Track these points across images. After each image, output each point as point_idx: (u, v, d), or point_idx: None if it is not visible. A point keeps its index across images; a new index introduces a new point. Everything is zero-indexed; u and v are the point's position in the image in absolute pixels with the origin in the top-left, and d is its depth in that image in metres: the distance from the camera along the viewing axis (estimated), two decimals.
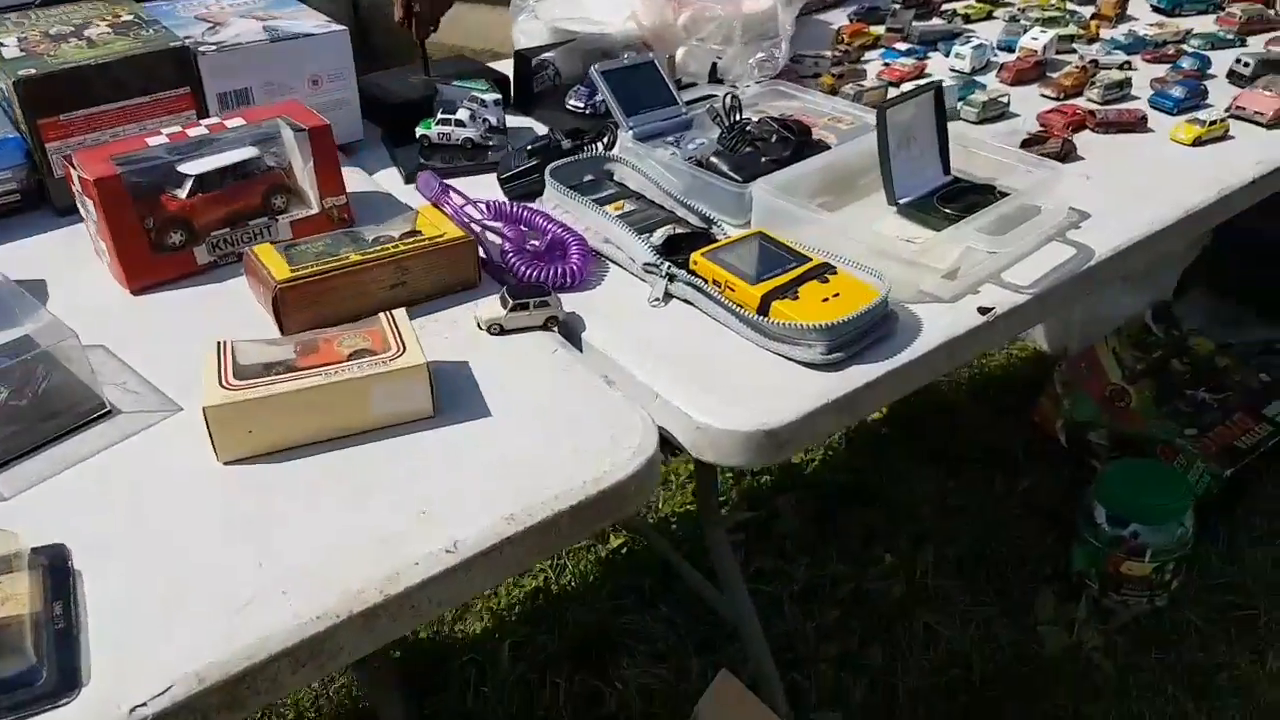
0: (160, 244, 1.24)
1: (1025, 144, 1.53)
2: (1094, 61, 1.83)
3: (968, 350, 1.19)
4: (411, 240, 1.21)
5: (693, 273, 1.22)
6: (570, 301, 1.23)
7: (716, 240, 1.30)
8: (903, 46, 1.98)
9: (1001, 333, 1.21)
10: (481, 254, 1.30)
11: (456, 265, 1.22)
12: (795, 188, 1.38)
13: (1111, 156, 1.55)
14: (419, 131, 1.59)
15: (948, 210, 1.35)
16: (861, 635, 2.02)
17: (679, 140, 1.52)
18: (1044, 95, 1.77)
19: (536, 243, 1.31)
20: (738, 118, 1.54)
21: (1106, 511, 2.03)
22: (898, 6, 2.19)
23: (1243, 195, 1.48)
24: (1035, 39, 1.89)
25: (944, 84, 1.57)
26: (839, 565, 2.19)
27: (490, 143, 1.61)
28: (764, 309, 1.14)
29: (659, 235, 1.31)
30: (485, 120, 1.62)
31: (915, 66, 1.88)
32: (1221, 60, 1.87)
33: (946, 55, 1.93)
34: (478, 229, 1.31)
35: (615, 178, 1.46)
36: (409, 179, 1.53)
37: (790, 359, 1.11)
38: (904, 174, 1.39)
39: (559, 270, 1.25)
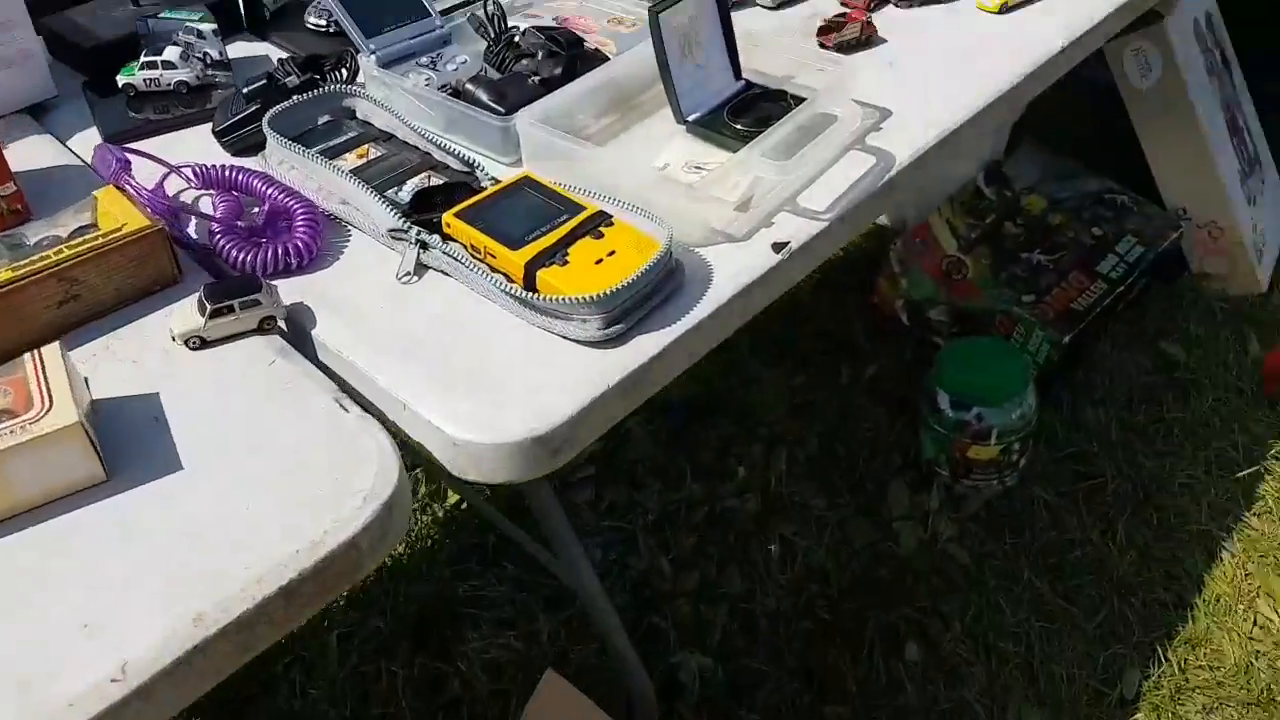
0: None
1: (822, 31, 1.36)
2: None
3: (766, 295, 1.04)
4: (82, 239, 0.97)
5: (447, 237, 1.03)
6: (299, 288, 1.02)
7: (481, 189, 1.10)
8: None
9: (800, 267, 1.06)
10: (192, 235, 1.08)
11: (145, 263, 0.99)
12: (568, 114, 1.19)
13: (916, 35, 1.39)
14: (121, 79, 1.31)
15: (739, 125, 1.17)
16: (719, 560, 1.93)
17: (436, 61, 1.29)
18: None
19: (257, 213, 1.09)
20: (504, 27, 1.32)
21: (949, 397, 1.96)
22: None
23: (1053, 66, 1.35)
24: None
25: None
26: (694, 486, 2.08)
27: (217, 82, 1.35)
28: (530, 281, 0.96)
29: (408, 190, 1.11)
30: (205, 56, 1.36)
31: None
32: None
33: None
34: (179, 207, 1.07)
35: (359, 116, 1.23)
36: (113, 140, 1.26)
37: (566, 338, 0.94)
38: (690, 86, 1.20)
39: (278, 249, 1.03)
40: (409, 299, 1.01)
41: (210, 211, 1.08)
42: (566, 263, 0.96)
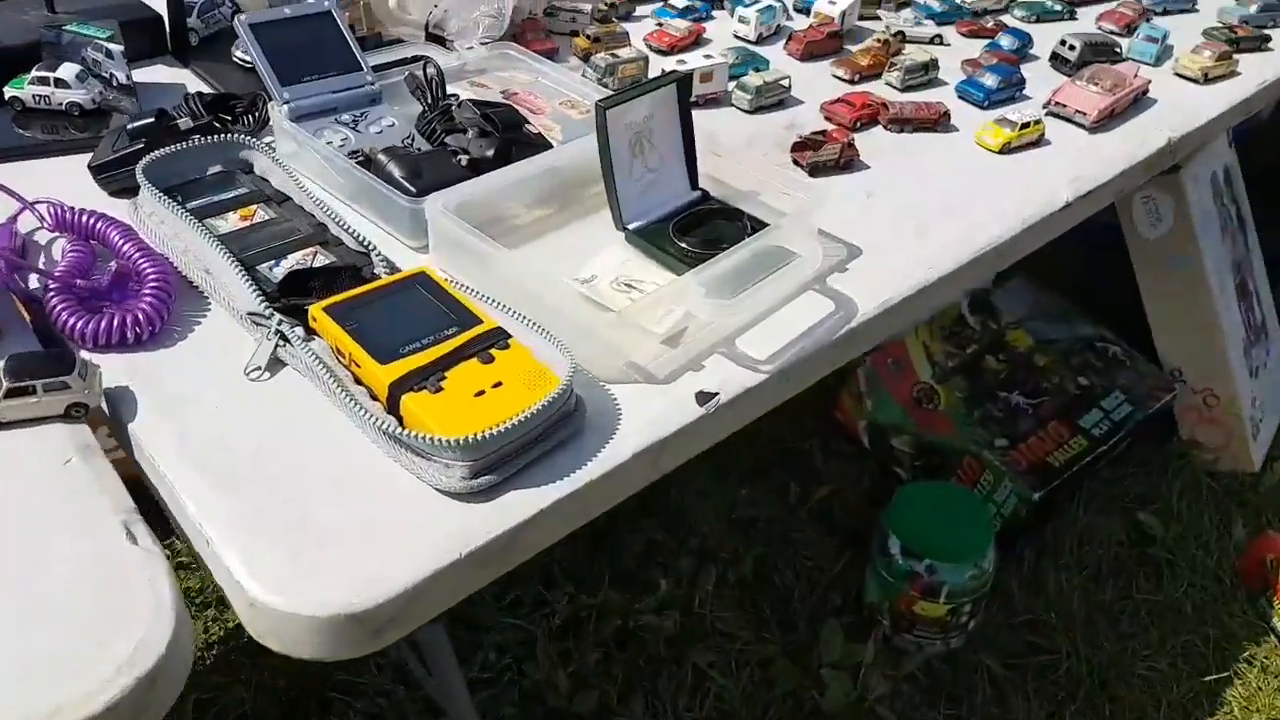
0: None
1: (797, 147, 1.22)
2: (900, 34, 1.53)
3: (679, 452, 0.88)
4: None
5: (312, 333, 0.87)
6: (131, 364, 0.86)
7: (371, 278, 0.94)
8: (681, 1, 1.63)
9: (726, 423, 0.91)
10: (31, 285, 0.92)
11: None
12: (490, 202, 1.04)
13: (902, 165, 1.25)
14: (8, 91, 1.16)
15: (684, 243, 1.03)
16: (623, 683, 1.75)
17: (359, 121, 1.14)
18: (836, 76, 1.46)
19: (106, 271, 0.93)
20: (441, 94, 1.18)
21: (900, 543, 1.80)
22: None
23: (1056, 222, 1.21)
24: (833, 2, 1.57)
25: (706, 67, 1.27)
26: (610, 593, 1.90)
27: (118, 108, 1.20)
28: (393, 404, 0.80)
29: (284, 267, 0.95)
30: (111, 77, 1.21)
31: (691, 31, 1.53)
32: (1047, 37, 1.60)
33: (732, 15, 1.60)
34: (13, 253, 0.91)
35: (255, 171, 1.08)
36: None
37: (423, 480, 0.78)
38: (636, 191, 1.06)
39: (115, 320, 0.87)
40: (253, 400, 0.85)
41: (57, 260, 0.92)
42: (440, 389, 0.80)
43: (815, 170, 1.22)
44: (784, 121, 1.33)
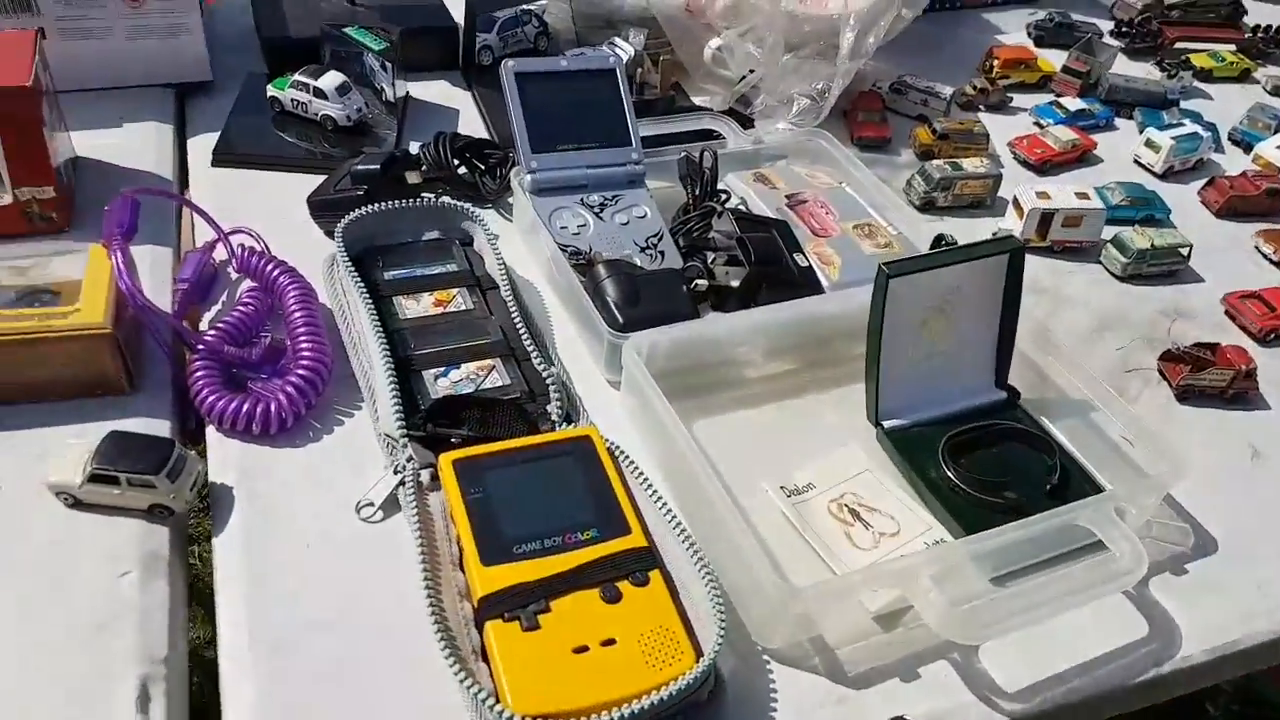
0: None
1: (1169, 357, 0.89)
2: None
3: None
4: (18, 312, 0.74)
5: (436, 480, 0.70)
6: (250, 454, 0.74)
7: (536, 420, 0.77)
8: (1075, 102, 1.30)
9: None
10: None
11: (87, 363, 0.75)
12: (714, 348, 0.83)
13: None
14: (270, 91, 1.10)
15: (955, 472, 0.75)
16: None
17: (607, 204, 0.96)
18: (1262, 253, 1.09)
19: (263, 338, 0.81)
20: (710, 189, 0.97)
21: None
22: (1102, 33, 1.49)
23: None
24: None
25: (1074, 210, 1.00)
26: None
27: (378, 126, 1.10)
28: (479, 621, 0.61)
29: (450, 380, 0.79)
30: (380, 90, 1.11)
31: (1075, 145, 1.21)
32: None
33: (1141, 132, 1.25)
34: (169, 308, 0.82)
35: (474, 245, 0.93)
36: (215, 159, 1.04)
37: None
38: (909, 375, 0.80)
39: (243, 407, 0.75)
40: (350, 547, 0.69)
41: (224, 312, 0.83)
42: (536, 626, 0.60)
43: (1185, 395, 0.89)
44: (1165, 302, 1.00)
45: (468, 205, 0.92)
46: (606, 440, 0.73)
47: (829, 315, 0.85)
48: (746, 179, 1.02)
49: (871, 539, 0.73)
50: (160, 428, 0.75)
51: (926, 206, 1.10)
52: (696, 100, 1.16)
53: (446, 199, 0.92)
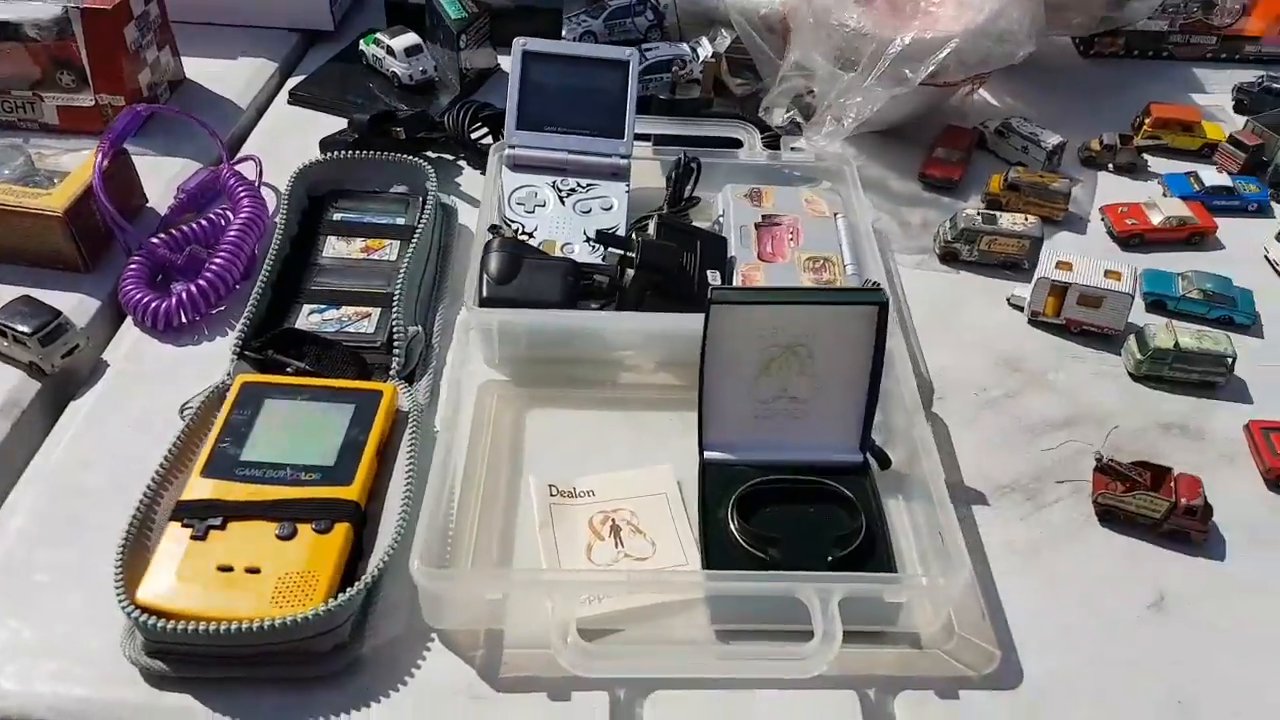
0: None
1: (1101, 469, 0.76)
2: None
3: None
4: (6, 186, 0.89)
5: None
6: (139, 346, 0.84)
7: (377, 368, 0.81)
8: (1220, 178, 1.10)
9: None
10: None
11: (43, 239, 0.89)
12: (582, 346, 0.82)
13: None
14: (360, 45, 1.20)
15: (734, 516, 0.70)
16: None
17: (579, 190, 0.96)
18: None
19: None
20: (687, 196, 0.96)
21: None
22: None
23: None
24: None
25: (1094, 291, 0.87)
26: None
27: (444, 85, 1.18)
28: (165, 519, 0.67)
29: (322, 318, 0.85)
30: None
31: (1184, 225, 1.03)
32: None
33: None
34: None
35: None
36: (291, 98, 1.17)
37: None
38: (746, 414, 0.76)
39: (145, 301, 0.85)
40: (159, 436, 0.76)
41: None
42: (204, 538, 0.65)
43: (1107, 516, 0.75)
44: (1174, 416, 0.84)
45: (424, 164, 0.96)
46: (418, 404, 0.75)
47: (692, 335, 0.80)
48: (739, 193, 0.98)
49: (612, 557, 0.69)
50: (91, 306, 0.87)
51: (948, 258, 1.00)
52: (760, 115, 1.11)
53: (406, 156, 0.97)
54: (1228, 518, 0.75)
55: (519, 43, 0.98)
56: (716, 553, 0.68)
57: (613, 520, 0.71)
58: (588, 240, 0.90)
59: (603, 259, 0.86)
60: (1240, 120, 1.20)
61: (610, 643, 0.64)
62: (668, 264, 0.83)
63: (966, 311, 0.94)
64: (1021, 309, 0.93)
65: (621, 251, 0.84)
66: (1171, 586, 0.71)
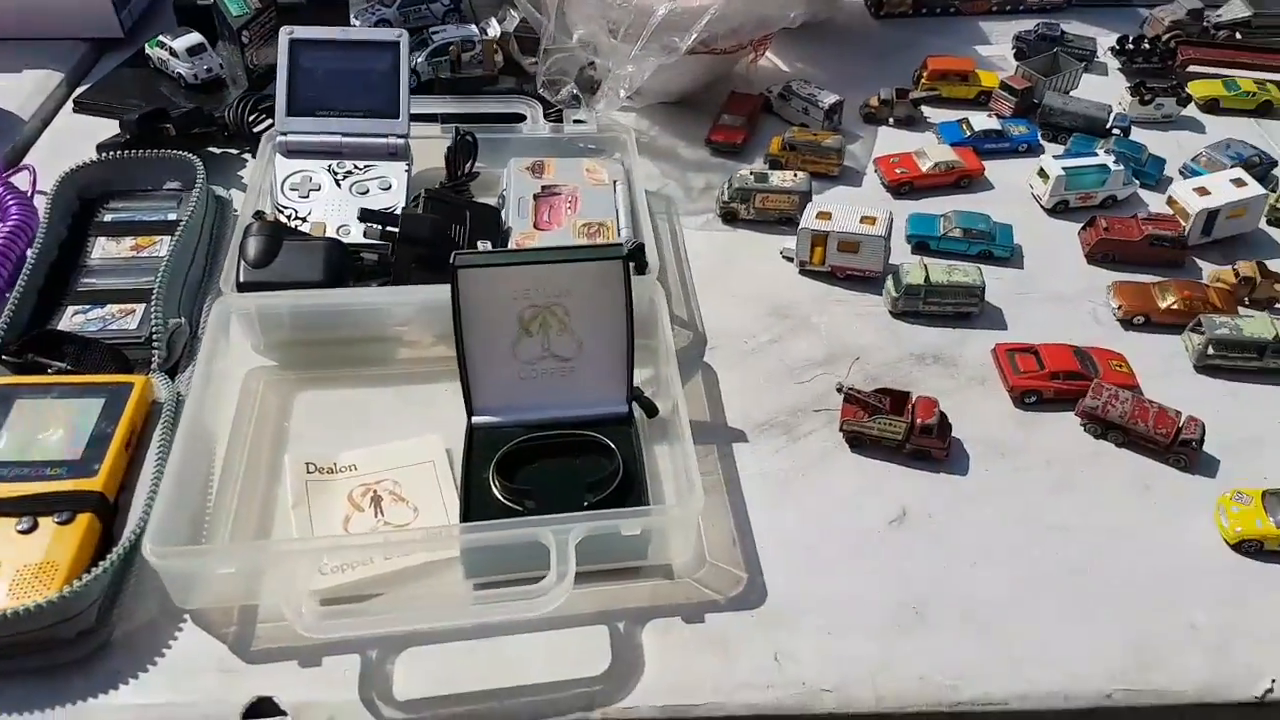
0: None
1: (852, 400, 0.80)
2: None
3: None
4: None
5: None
6: None
7: (139, 363, 0.80)
8: (990, 122, 1.16)
9: None
10: None
11: None
12: (350, 324, 0.83)
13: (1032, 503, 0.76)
14: (146, 49, 1.19)
15: (496, 476, 0.72)
16: None
17: (355, 173, 0.97)
18: (1114, 310, 0.94)
19: None
20: (465, 173, 0.97)
21: None
22: (1094, 50, 1.32)
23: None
24: (1205, 192, 1.00)
25: (850, 236, 0.90)
26: None
27: (232, 82, 1.17)
28: None
29: (87, 318, 0.84)
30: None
31: (952, 169, 1.08)
32: None
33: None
34: None
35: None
36: (75, 106, 1.15)
37: None
38: (514, 376, 0.77)
39: None
40: None
41: None
42: None
43: (856, 442, 0.79)
44: (927, 346, 0.89)
45: (193, 158, 0.96)
46: (181, 395, 0.74)
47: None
48: (522, 165, 1.00)
49: (370, 527, 0.70)
50: None
51: (729, 217, 1.03)
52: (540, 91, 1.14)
53: (176, 152, 0.97)
54: (974, 435, 0.80)
55: (285, 31, 0.99)
56: (476, 512, 0.70)
57: (374, 491, 0.73)
58: (361, 220, 0.91)
59: (364, 235, 0.87)
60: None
61: (355, 607, 0.65)
62: (431, 236, 0.84)
63: (743, 266, 0.98)
64: (792, 260, 0.97)
65: (382, 227, 0.85)
66: (914, 502, 0.75)
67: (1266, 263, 0.95)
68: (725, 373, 0.86)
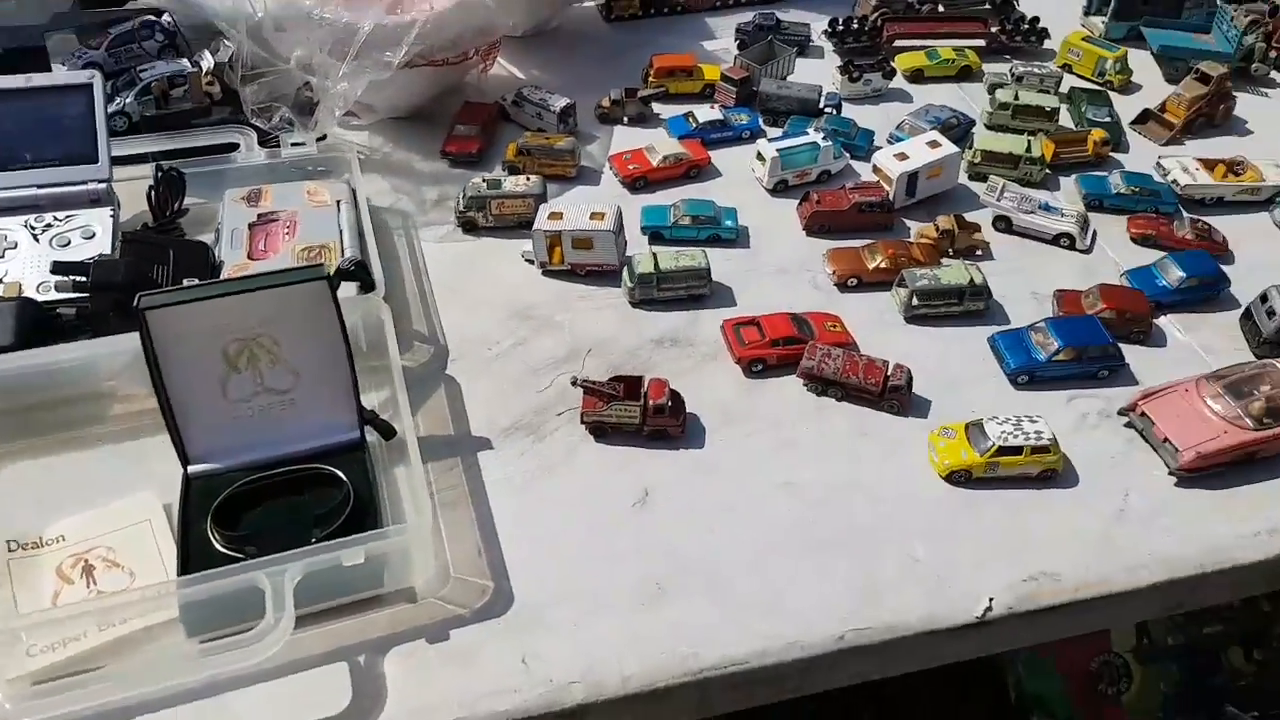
0: None
1: (591, 392, 0.80)
2: (1006, 220, 1.01)
3: None
4: None
5: None
6: None
7: None
8: (713, 113, 1.20)
9: None
10: None
11: None
12: (58, 384, 0.77)
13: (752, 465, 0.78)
14: None
15: (214, 525, 0.68)
16: None
17: (51, 226, 0.90)
18: (830, 275, 0.98)
19: None
20: (174, 211, 0.92)
21: None
22: (809, 36, 1.39)
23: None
24: (904, 158, 1.07)
25: (581, 233, 0.93)
26: None
27: None
28: None
29: None
30: None
31: (680, 161, 1.12)
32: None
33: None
34: None
35: None
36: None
37: None
38: (231, 416, 0.74)
39: None
40: None
41: None
42: None
43: (599, 431, 0.80)
44: (665, 331, 0.91)
45: None
46: None
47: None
48: (237, 196, 0.96)
49: (82, 598, 0.66)
50: None
51: (468, 226, 1.03)
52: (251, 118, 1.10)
53: None
54: (708, 408, 0.83)
55: None
56: (195, 566, 0.66)
57: (85, 560, 0.68)
58: (55, 273, 0.85)
59: (56, 289, 0.81)
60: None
61: (69, 682, 0.61)
62: (127, 280, 0.80)
63: (485, 273, 0.98)
64: (533, 262, 0.98)
65: (73, 278, 0.80)
66: (656, 482, 0.77)
67: (964, 215, 1.03)
68: (469, 382, 0.85)
